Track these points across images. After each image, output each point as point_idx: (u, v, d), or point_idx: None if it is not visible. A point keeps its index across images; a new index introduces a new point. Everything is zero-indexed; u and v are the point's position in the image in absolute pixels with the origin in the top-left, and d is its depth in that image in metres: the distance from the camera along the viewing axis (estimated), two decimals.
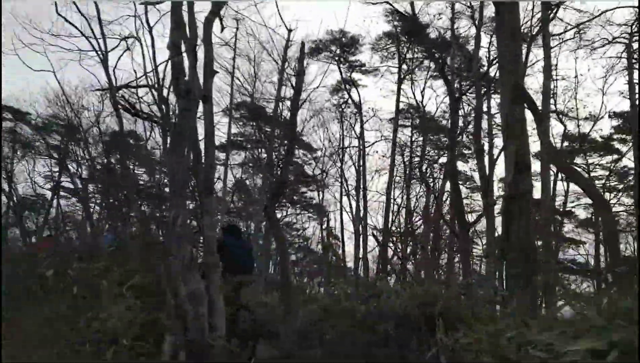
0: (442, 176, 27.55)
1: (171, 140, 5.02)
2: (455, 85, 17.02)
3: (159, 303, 4.54)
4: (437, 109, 30.00)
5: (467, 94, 18.32)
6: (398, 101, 27.84)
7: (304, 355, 7.75)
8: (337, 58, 28.33)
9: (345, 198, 30.62)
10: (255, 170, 31.56)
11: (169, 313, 4.36)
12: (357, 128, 30.56)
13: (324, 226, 34.19)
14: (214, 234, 5.34)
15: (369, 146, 30.21)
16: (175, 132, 5.20)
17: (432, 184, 27.31)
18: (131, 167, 28.96)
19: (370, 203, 28.87)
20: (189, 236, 4.88)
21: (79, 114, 24.95)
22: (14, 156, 30.22)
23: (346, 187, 30.07)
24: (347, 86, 29.10)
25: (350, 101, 29.48)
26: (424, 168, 27.18)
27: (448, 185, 24.32)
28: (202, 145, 5.43)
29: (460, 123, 22.54)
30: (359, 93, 29.31)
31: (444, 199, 26.12)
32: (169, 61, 5.59)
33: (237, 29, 24.92)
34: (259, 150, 31.57)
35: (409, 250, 28.65)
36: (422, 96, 29.13)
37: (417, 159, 30.13)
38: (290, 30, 12.72)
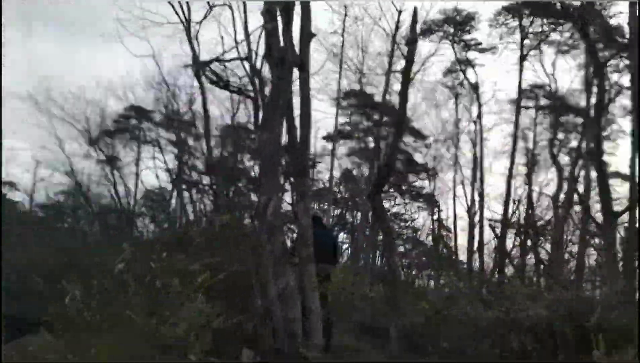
0: (573, 162, 24.51)
1: (263, 114, 4.39)
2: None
3: (241, 305, 3.91)
4: (569, 85, 26.81)
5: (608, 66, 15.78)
6: (520, 80, 25.30)
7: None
8: (450, 37, 26.48)
9: (459, 187, 28.74)
10: (363, 159, 30.80)
11: (254, 317, 3.70)
12: (474, 111, 28.48)
13: (435, 216, 32.54)
14: (309, 222, 4.61)
15: (487, 130, 28.00)
16: (267, 105, 4.52)
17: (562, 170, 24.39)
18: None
19: (487, 192, 26.70)
20: (281, 225, 4.19)
21: (175, 97, 25.58)
22: (140, 151, 32.32)
23: (461, 175, 28.16)
24: (462, 67, 27.12)
25: (465, 81, 27.43)
26: (554, 150, 24.36)
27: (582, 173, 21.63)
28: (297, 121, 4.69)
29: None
30: (475, 73, 27.18)
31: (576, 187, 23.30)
32: (263, 30, 4.93)
33: (346, 15, 24.27)
34: (367, 139, 30.74)
35: (529, 243, 26.20)
36: (551, 73, 26.20)
37: (543, 142, 27.33)
38: (400, 12, 11.57)
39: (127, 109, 28.85)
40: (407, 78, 7.03)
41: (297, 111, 4.90)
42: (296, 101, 5.32)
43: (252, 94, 11.58)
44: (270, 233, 4.03)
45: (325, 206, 29.51)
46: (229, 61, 10.44)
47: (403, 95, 6.95)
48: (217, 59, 9.44)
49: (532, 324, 4.72)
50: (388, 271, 6.55)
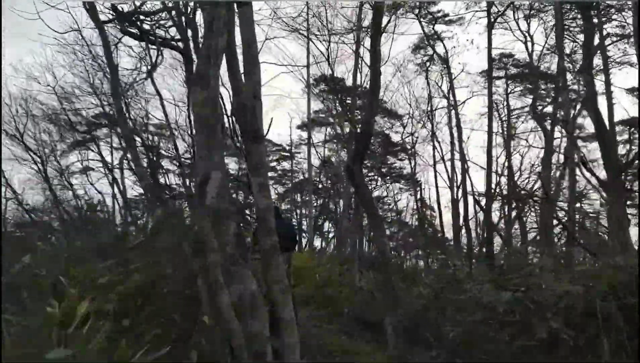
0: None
1: (196, 67, 3.30)
2: None
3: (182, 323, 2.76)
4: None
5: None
6: (490, 48, 24.34)
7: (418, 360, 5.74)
8: (416, 12, 25.42)
9: (440, 164, 27.84)
10: (340, 145, 29.73)
11: (201, 337, 2.56)
12: (445, 86, 27.58)
13: (418, 196, 31.70)
14: (269, 204, 3.49)
15: (460, 104, 27.12)
16: (201, 55, 3.34)
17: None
18: None
19: (468, 165, 25.80)
20: (229, 210, 3.04)
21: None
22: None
23: (440, 151, 27.25)
24: (431, 41, 26.13)
25: (435, 56, 26.46)
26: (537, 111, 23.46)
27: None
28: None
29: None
30: (445, 46, 26.21)
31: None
32: None
33: None
34: (343, 124, 29.60)
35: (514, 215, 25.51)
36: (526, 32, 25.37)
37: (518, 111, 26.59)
38: None
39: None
40: (377, 30, 5.90)
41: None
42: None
43: (181, 45, 9.52)
44: (215, 221, 2.90)
45: (307, 197, 28.45)
46: (153, 13, 8.80)
47: (374, 50, 5.84)
48: (137, 11, 7.90)
49: (564, 305, 3.65)
50: (378, 253, 5.47)
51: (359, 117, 25.18)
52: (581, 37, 19.07)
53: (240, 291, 3.01)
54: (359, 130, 5.73)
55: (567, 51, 21.32)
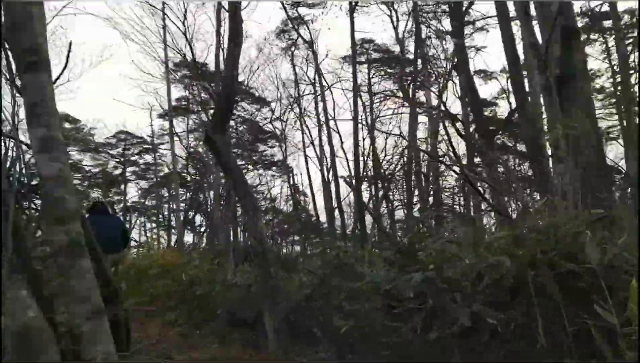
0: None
1: None
2: None
3: None
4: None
5: None
6: (352, 32, 24.34)
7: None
8: None
9: (309, 149, 27.42)
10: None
11: None
12: (311, 72, 27.18)
13: (290, 182, 31.11)
14: (55, 171, 2.14)
15: (326, 89, 26.89)
16: None
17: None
18: None
19: (336, 149, 25.71)
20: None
21: None
22: None
23: (309, 136, 26.78)
24: (295, 24, 25.40)
25: (300, 40, 25.80)
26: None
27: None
28: None
29: None
30: (309, 30, 25.67)
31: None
32: None
33: None
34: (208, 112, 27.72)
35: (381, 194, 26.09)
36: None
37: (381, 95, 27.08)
38: None
39: None
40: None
41: None
42: None
43: None
44: None
45: (173, 192, 26.14)
46: None
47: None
48: None
49: (488, 282, 2.84)
50: (254, 241, 4.31)
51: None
52: None
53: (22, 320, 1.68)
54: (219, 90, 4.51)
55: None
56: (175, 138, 26.69)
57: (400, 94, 24.64)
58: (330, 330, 4.89)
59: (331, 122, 25.90)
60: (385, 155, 26.29)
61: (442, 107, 15.54)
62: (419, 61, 24.25)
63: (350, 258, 4.76)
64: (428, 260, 3.41)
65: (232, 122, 26.63)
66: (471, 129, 13.64)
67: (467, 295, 2.95)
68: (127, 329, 5.65)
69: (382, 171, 27.54)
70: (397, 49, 27.67)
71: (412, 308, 3.19)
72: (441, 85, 17.08)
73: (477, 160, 17.10)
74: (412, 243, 3.72)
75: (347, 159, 24.44)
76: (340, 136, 26.75)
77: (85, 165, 32.15)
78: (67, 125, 29.38)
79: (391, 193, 29.04)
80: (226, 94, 4.61)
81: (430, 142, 22.40)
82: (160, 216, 34.04)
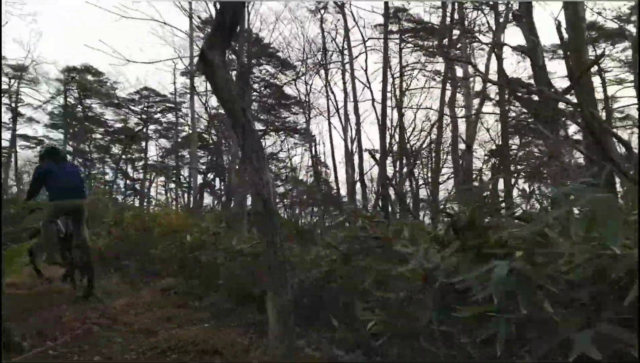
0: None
1: None
2: None
3: None
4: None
5: None
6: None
7: None
8: None
9: (334, 118, 26.06)
10: None
11: None
12: (339, 39, 25.58)
13: (313, 151, 29.86)
14: None
15: (355, 57, 25.30)
16: None
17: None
18: None
19: (362, 119, 24.29)
20: None
21: None
22: None
23: (334, 104, 25.38)
24: None
25: (330, 2, 24.13)
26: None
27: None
28: None
29: None
30: None
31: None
32: None
33: None
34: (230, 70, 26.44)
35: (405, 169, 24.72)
36: None
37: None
38: None
39: None
40: None
41: None
42: None
43: None
44: None
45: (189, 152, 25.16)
46: None
47: None
48: None
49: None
50: (255, 197, 3.11)
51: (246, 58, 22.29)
52: None
53: None
54: None
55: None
56: (197, 98, 25.62)
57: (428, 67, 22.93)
58: (351, 322, 3.76)
59: (358, 92, 24.39)
60: (414, 129, 24.84)
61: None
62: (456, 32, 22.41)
63: (385, 232, 3.55)
64: (517, 244, 2.18)
65: (254, 85, 25.35)
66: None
67: (583, 305, 1.74)
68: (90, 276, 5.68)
69: (409, 145, 26.16)
70: (433, 19, 25.84)
71: (488, 314, 1.99)
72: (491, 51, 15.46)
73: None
74: (474, 218, 2.51)
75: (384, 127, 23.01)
76: (373, 101, 25.24)
77: (108, 119, 31.42)
78: (89, 77, 28.53)
79: (417, 170, 27.65)
80: (233, 2, 3.38)
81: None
82: (181, 177, 33.33)
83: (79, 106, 29.85)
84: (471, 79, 21.23)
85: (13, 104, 27.32)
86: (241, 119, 3.39)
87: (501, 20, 16.90)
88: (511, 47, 12.70)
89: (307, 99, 25.20)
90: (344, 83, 25.48)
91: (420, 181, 29.35)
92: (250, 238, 6.82)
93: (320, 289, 4.72)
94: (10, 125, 27.49)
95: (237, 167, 19.03)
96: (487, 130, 20.44)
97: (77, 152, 29.80)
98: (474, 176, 20.74)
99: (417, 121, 26.71)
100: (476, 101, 22.29)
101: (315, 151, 29.08)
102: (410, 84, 25.81)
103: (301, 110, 27.86)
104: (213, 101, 28.68)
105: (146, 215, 9.38)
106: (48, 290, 6.26)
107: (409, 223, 3.85)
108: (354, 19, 28.74)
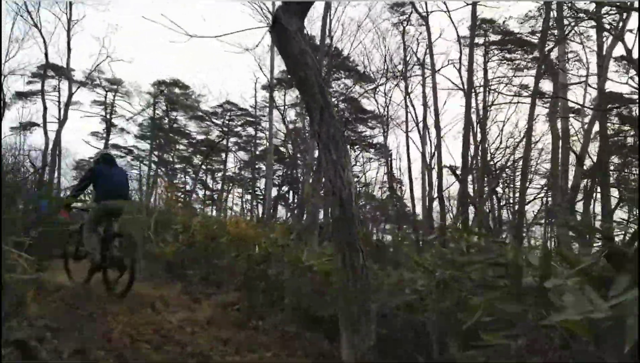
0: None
1: None
2: None
3: None
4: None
5: None
6: (474, 11, 21.13)
7: None
8: None
9: (412, 133, 24.85)
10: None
11: None
12: (421, 50, 24.49)
13: (387, 167, 28.74)
14: None
15: (438, 70, 24.02)
16: None
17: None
18: None
19: (443, 133, 22.91)
20: None
21: None
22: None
23: (414, 117, 24.21)
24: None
25: (414, 12, 23.17)
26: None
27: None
28: None
29: None
30: (426, 5, 22.93)
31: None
32: None
33: None
34: None
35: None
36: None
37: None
38: None
39: None
40: None
41: None
42: None
43: None
44: None
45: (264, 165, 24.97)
46: None
47: None
48: None
49: None
50: (332, 195, 2.22)
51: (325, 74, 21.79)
52: None
53: None
54: None
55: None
56: (276, 111, 25.57)
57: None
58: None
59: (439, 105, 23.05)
60: (500, 145, 23.06)
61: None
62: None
63: (509, 256, 2.55)
64: None
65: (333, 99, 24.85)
66: None
67: None
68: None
69: (492, 162, 24.40)
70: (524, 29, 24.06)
71: None
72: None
73: None
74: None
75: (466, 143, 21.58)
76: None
77: (191, 131, 32.39)
78: (177, 90, 29.58)
79: (500, 189, 25.71)
80: None
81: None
82: (257, 189, 33.51)
83: (165, 118, 31.00)
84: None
85: (108, 115, 28.87)
86: (318, 99, 2.61)
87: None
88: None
89: (385, 112, 24.24)
90: (424, 96, 24.32)
91: (503, 201, 27.25)
92: (322, 252, 6.00)
93: (403, 320, 3.78)
94: (104, 135, 29.05)
95: (310, 180, 18.46)
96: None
97: (161, 162, 30.88)
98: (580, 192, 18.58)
99: (502, 136, 24.83)
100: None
101: (391, 166, 27.97)
102: (496, 98, 24.12)
103: (378, 124, 26.97)
104: (291, 114, 28.57)
105: (215, 223, 8.88)
106: (87, 292, 5.79)
107: (534, 247, 2.81)
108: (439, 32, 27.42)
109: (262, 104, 29.39)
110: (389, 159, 27.06)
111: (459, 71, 23.89)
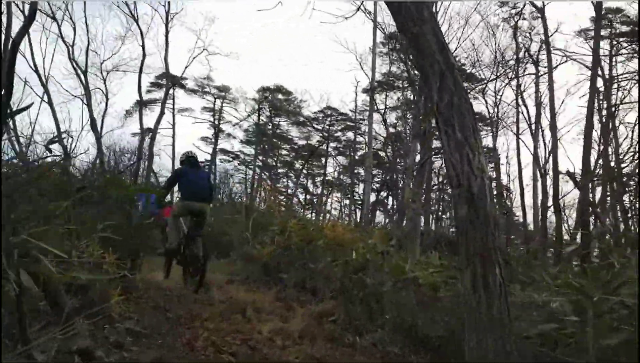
0: None
1: None
2: None
3: None
4: None
5: None
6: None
7: None
8: None
9: (524, 136, 22.70)
10: (410, 113, 25.23)
11: None
12: (534, 46, 22.28)
13: (496, 173, 26.59)
14: None
15: (555, 66, 21.62)
16: None
17: None
18: None
19: (560, 135, 20.52)
20: None
21: None
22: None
23: (526, 118, 22.09)
24: None
25: (528, 4, 21.09)
26: None
27: None
28: None
29: None
30: None
31: None
32: None
33: None
34: (412, 89, 25.06)
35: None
36: None
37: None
38: None
39: None
40: None
41: None
42: None
43: None
44: None
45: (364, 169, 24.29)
46: None
47: None
48: None
49: None
50: (460, 190, 1.45)
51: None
52: None
53: None
54: None
55: None
56: (376, 115, 24.88)
57: None
58: None
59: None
60: (630, 148, 20.14)
61: None
62: None
63: None
64: None
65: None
66: None
67: None
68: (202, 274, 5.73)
69: (618, 168, 21.44)
70: None
71: None
72: None
73: None
74: None
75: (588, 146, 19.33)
76: None
77: (293, 136, 32.86)
78: (280, 96, 30.17)
79: (628, 198, 22.52)
80: None
81: None
82: (355, 193, 33.06)
83: (269, 123, 31.76)
84: None
85: (216, 122, 30.24)
86: (437, 60, 1.92)
87: None
88: None
89: (495, 112, 22.41)
90: (537, 95, 22.09)
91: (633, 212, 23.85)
92: (427, 262, 5.19)
93: (547, 357, 2.89)
94: (213, 140, 30.47)
95: (410, 184, 17.44)
96: None
97: (265, 166, 31.64)
98: None
99: (633, 139, 21.70)
100: None
101: (498, 172, 25.86)
102: (626, 96, 21.17)
103: (484, 126, 25.08)
104: (392, 117, 27.67)
105: (311, 225, 8.43)
106: (180, 293, 5.54)
107: None
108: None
109: (362, 108, 28.89)
110: (497, 164, 25.01)
111: (580, 67, 21.37)
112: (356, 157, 31.75)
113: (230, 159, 32.31)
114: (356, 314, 5.23)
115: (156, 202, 6.57)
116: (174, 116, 28.35)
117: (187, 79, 27.98)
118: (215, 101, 29.80)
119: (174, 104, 28.69)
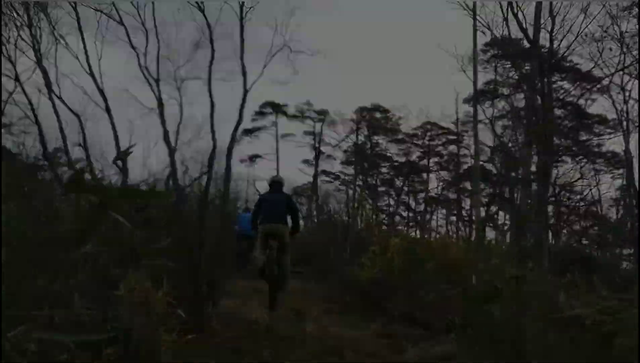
0: None
1: None
2: None
3: None
4: None
5: None
6: None
7: None
8: None
9: None
10: (514, 121, 22.63)
11: None
12: None
13: (624, 179, 22.74)
14: None
15: None
16: None
17: None
18: None
19: None
20: None
21: None
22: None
23: None
24: None
25: None
26: None
27: None
28: None
29: None
30: None
31: None
32: None
33: None
34: (517, 96, 22.49)
35: None
36: None
37: None
38: None
39: None
40: None
41: None
42: None
43: None
44: None
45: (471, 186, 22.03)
46: None
47: None
48: None
49: None
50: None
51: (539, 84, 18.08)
52: None
53: None
54: None
55: None
56: (481, 126, 22.65)
57: None
58: None
59: None
60: None
61: None
62: None
63: None
64: None
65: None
66: None
67: None
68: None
69: None
70: None
71: None
72: None
73: None
74: None
75: None
76: None
77: (392, 154, 31.57)
78: (377, 114, 29.18)
79: None
80: None
81: None
82: (462, 209, 30.57)
83: (367, 142, 30.79)
84: None
85: (317, 144, 29.99)
86: None
87: None
88: None
89: (623, 110, 19.13)
90: None
91: None
92: (591, 295, 3.62)
93: None
94: (314, 162, 30.20)
95: (529, 201, 15.18)
96: None
97: (365, 185, 30.61)
98: None
99: None
100: None
101: (630, 176, 22.03)
102: None
103: (606, 128, 21.65)
104: (497, 128, 25.14)
105: (417, 243, 7.09)
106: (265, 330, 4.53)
107: None
108: None
109: (464, 119, 26.70)
110: (630, 168, 21.35)
111: None
112: (460, 171, 29.45)
113: (332, 180, 31.79)
114: (484, 357, 3.81)
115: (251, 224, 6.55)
116: (277, 141, 28.60)
117: (287, 106, 28.19)
118: (314, 125, 29.65)
119: (277, 131, 28.98)
